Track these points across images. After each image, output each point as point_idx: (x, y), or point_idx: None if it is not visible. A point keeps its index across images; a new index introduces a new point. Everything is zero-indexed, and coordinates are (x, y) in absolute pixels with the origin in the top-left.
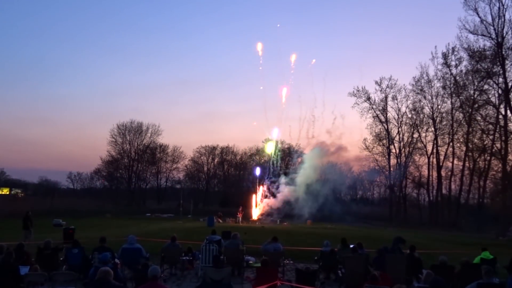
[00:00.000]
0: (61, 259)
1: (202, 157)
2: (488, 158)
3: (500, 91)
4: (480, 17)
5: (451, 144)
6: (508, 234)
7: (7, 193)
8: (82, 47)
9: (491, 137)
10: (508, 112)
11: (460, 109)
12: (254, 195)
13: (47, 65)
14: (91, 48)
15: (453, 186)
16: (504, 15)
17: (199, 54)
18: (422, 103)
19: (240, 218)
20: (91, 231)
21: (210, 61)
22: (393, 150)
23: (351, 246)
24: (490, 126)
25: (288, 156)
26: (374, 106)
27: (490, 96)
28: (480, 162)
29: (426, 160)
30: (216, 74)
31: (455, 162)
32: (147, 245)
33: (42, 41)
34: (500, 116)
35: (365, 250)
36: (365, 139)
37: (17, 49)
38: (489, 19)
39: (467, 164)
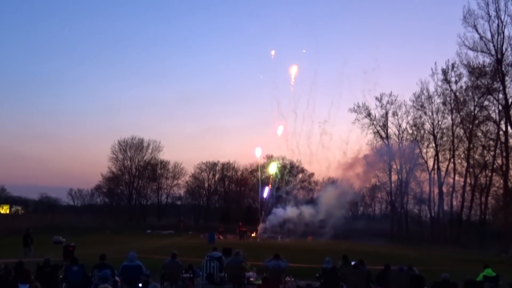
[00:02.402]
0: (61, 276)
1: (203, 173)
2: (490, 174)
3: (500, 107)
4: (479, 34)
5: (452, 160)
6: (510, 251)
7: (7, 211)
8: (84, 63)
9: (492, 153)
10: (509, 128)
11: (461, 125)
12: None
13: (48, 81)
14: (92, 64)
15: (454, 202)
16: (503, 32)
17: (200, 69)
18: (422, 119)
19: (247, 234)
20: (91, 248)
21: (212, 76)
22: (394, 166)
23: (353, 263)
24: (491, 142)
25: (289, 172)
26: (374, 122)
27: (490, 112)
28: (482, 178)
29: (427, 176)
30: (217, 90)
31: (457, 178)
32: (148, 262)
33: (43, 56)
34: (501, 132)
35: (366, 266)
36: (366, 155)
37: (17, 64)
38: (488, 36)
39: (468, 180)
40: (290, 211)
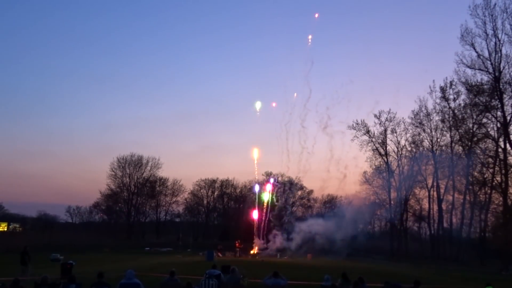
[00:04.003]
0: None
1: (201, 190)
2: (489, 191)
3: (498, 125)
4: (477, 52)
5: (451, 177)
6: (511, 268)
7: (5, 228)
8: (82, 81)
9: (491, 170)
10: (508, 145)
11: (460, 142)
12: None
13: (48, 99)
14: (90, 82)
15: (454, 220)
16: (500, 50)
17: (199, 87)
18: (421, 136)
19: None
20: (89, 266)
21: (211, 94)
22: (393, 183)
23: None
24: (490, 160)
25: (288, 190)
26: (373, 139)
27: (489, 129)
28: (481, 196)
29: (427, 193)
30: (216, 107)
31: (456, 195)
32: (146, 280)
33: (41, 75)
34: (500, 150)
35: (366, 284)
36: (365, 172)
37: (17, 84)
38: (486, 54)
39: (467, 198)
40: (319, 224)
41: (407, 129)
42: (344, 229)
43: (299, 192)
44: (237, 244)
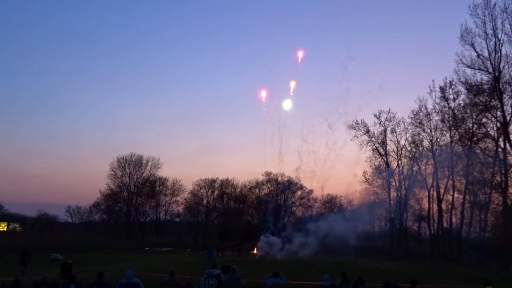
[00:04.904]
0: None
1: (201, 190)
2: (489, 191)
3: (498, 125)
4: (476, 52)
5: (451, 177)
6: (511, 268)
7: (5, 228)
8: (82, 80)
9: (491, 170)
10: (507, 145)
11: (459, 142)
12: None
13: (49, 100)
14: (91, 81)
15: (454, 220)
16: (500, 50)
17: (199, 87)
18: (421, 136)
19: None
20: (89, 266)
21: (210, 94)
22: (393, 183)
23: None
24: (490, 159)
25: (288, 189)
26: (373, 139)
27: (488, 129)
28: (481, 196)
29: (427, 193)
30: (216, 107)
31: (456, 195)
32: (146, 280)
33: (41, 75)
34: (499, 149)
35: (366, 284)
36: (364, 172)
37: (20, 84)
38: (486, 54)
39: (467, 197)
40: (337, 222)
41: (407, 129)
42: (354, 227)
43: (299, 192)
44: (234, 245)
